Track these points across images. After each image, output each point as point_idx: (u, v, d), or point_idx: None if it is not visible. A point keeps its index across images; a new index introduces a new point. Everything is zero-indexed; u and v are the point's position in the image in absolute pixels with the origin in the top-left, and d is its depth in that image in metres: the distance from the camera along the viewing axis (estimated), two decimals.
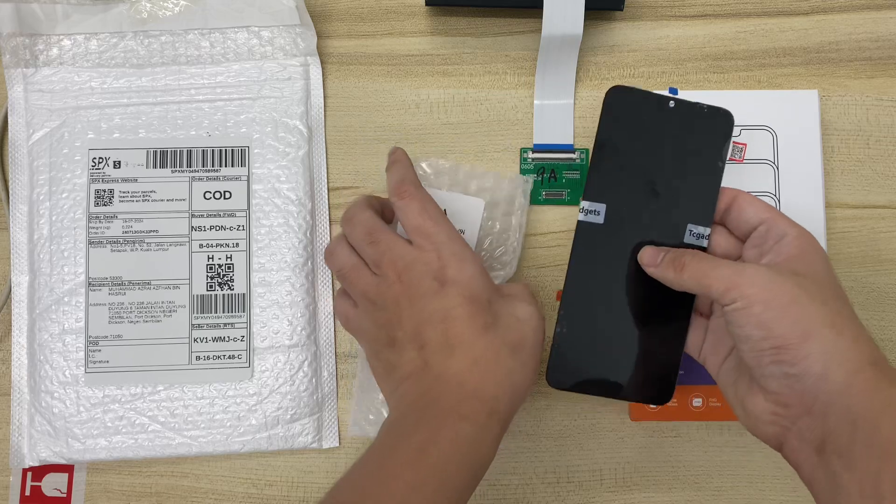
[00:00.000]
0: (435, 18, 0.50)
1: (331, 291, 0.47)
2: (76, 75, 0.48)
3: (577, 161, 0.48)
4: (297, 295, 0.46)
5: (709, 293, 0.34)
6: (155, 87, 0.48)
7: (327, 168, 0.48)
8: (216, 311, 0.46)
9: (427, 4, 0.48)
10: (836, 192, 0.48)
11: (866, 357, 0.31)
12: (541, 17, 0.45)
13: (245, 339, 0.46)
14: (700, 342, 0.38)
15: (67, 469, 0.46)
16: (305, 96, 0.48)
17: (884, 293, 0.47)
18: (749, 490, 0.46)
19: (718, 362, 0.37)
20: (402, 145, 0.49)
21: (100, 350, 0.45)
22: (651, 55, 0.49)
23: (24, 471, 0.46)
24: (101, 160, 0.47)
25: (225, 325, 0.46)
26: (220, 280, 0.46)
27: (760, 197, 0.41)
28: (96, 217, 0.46)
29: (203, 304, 0.46)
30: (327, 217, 0.48)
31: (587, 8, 0.45)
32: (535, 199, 0.48)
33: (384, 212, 0.41)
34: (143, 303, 0.46)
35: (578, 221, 0.39)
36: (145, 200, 0.47)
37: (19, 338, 0.46)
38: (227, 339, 0.46)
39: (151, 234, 0.46)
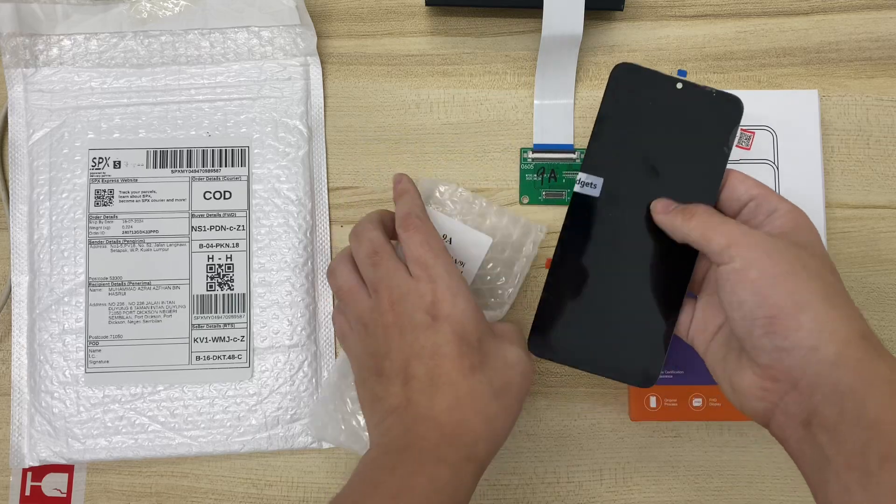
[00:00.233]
0: (435, 18, 0.50)
1: (332, 293, 0.47)
2: (76, 75, 0.48)
3: (577, 161, 0.48)
4: (297, 295, 0.46)
5: (709, 247, 0.34)
6: (155, 87, 0.48)
7: (327, 168, 0.48)
8: (216, 311, 0.46)
9: (427, 4, 0.48)
10: (836, 192, 0.48)
11: (856, 331, 0.31)
12: (541, 17, 0.45)
13: (245, 339, 0.46)
14: (688, 321, 0.38)
15: (67, 469, 0.46)
16: (305, 96, 0.48)
17: (884, 293, 0.47)
18: (749, 490, 0.46)
19: (707, 339, 0.37)
20: (402, 145, 0.49)
21: (100, 350, 0.45)
22: (651, 55, 0.49)
23: (24, 471, 0.46)
24: (101, 160, 0.47)
25: (225, 325, 0.46)
26: (220, 280, 0.46)
27: None
28: (96, 217, 0.46)
29: (203, 304, 0.46)
30: (327, 217, 0.48)
31: (587, 8, 0.45)
32: (534, 199, 0.48)
33: (387, 227, 0.41)
34: (143, 303, 0.46)
35: (574, 193, 0.38)
36: (145, 200, 0.47)
37: (19, 338, 0.46)
38: (227, 339, 0.46)
39: (151, 234, 0.46)
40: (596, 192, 0.38)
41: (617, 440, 0.47)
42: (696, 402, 0.45)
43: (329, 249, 0.48)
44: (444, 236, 0.42)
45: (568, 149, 0.48)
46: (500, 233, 0.44)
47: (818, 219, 0.46)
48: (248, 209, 0.47)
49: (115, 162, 0.47)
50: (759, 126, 0.46)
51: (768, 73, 0.49)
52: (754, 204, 0.36)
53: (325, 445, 0.46)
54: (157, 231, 0.46)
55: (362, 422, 0.43)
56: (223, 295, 0.46)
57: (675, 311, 0.38)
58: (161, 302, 0.46)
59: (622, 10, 0.47)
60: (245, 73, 0.48)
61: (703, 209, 0.35)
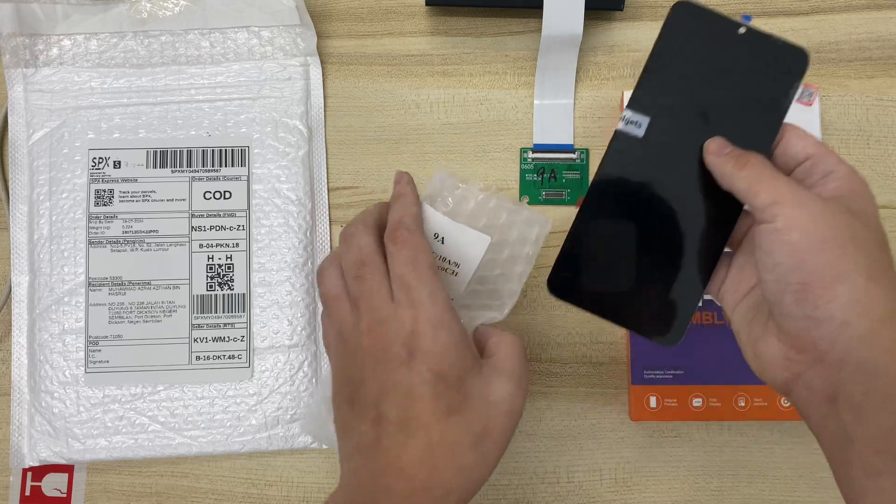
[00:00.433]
0: (435, 18, 0.50)
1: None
2: (76, 75, 0.48)
3: (577, 161, 0.48)
4: (297, 295, 0.46)
5: (754, 202, 0.32)
6: (155, 87, 0.48)
7: (327, 168, 0.49)
8: (216, 311, 0.46)
9: (427, 4, 0.48)
10: None
11: (894, 308, 0.29)
12: (541, 17, 0.45)
13: (245, 339, 0.46)
14: (722, 278, 0.35)
15: (67, 469, 0.46)
16: (305, 96, 0.48)
17: None
18: (749, 490, 0.46)
19: (736, 300, 0.35)
20: (402, 145, 0.49)
21: (100, 350, 0.45)
22: None
23: (24, 471, 0.46)
24: (101, 160, 0.47)
25: (225, 325, 0.46)
26: (220, 280, 0.46)
27: None
28: (96, 217, 0.46)
29: (203, 304, 0.46)
30: (327, 217, 0.48)
31: (587, 8, 0.45)
32: (534, 199, 0.48)
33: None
34: (143, 303, 0.46)
35: (616, 130, 0.36)
36: (145, 200, 0.47)
37: (19, 338, 0.46)
38: (227, 339, 0.46)
39: (151, 234, 0.46)
40: (640, 132, 0.36)
41: (617, 440, 0.47)
42: (696, 402, 0.45)
43: (329, 249, 0.48)
44: (436, 235, 0.39)
45: (568, 149, 0.48)
46: (499, 230, 0.41)
47: None
48: (248, 209, 0.47)
49: (115, 162, 0.47)
50: None
51: None
52: (810, 163, 0.33)
53: (325, 445, 0.46)
54: (157, 231, 0.46)
55: None
56: (223, 295, 0.46)
57: (710, 266, 0.35)
58: (161, 302, 0.46)
59: (622, 10, 0.47)
60: (245, 73, 0.48)
61: (757, 159, 0.33)
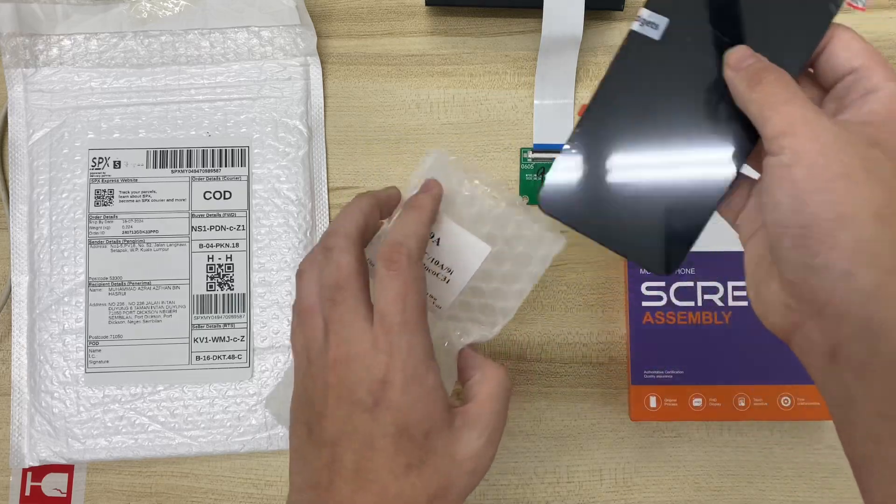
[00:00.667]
0: (435, 18, 0.50)
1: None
2: (76, 75, 0.48)
3: None
4: None
5: (763, 130, 0.28)
6: (155, 87, 0.48)
7: (327, 168, 0.49)
8: (216, 311, 0.46)
9: (427, 4, 0.48)
10: None
11: None
12: (541, 17, 0.45)
13: (245, 339, 0.46)
14: (741, 203, 0.32)
15: (67, 469, 0.46)
16: (305, 96, 0.48)
17: None
18: (749, 490, 0.46)
19: (750, 232, 0.31)
20: (402, 145, 0.49)
21: (100, 350, 0.45)
22: None
23: (24, 471, 0.46)
24: (101, 160, 0.47)
25: (225, 325, 0.46)
26: (220, 280, 0.46)
27: None
28: (96, 217, 0.46)
29: (203, 304, 0.46)
30: (327, 217, 0.48)
31: (587, 8, 0.45)
32: (534, 200, 0.48)
33: (381, 210, 0.36)
34: (143, 303, 0.46)
35: (630, 31, 0.32)
36: (145, 200, 0.47)
37: (19, 338, 0.46)
38: (227, 339, 0.46)
39: (151, 234, 0.46)
40: (657, 35, 0.32)
41: (617, 440, 0.47)
42: (696, 402, 0.45)
43: None
44: (432, 235, 0.35)
45: None
46: (503, 241, 0.36)
47: None
48: (248, 209, 0.47)
49: (115, 162, 0.47)
50: None
51: None
52: (853, 78, 0.29)
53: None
54: (157, 231, 0.46)
55: None
56: (223, 295, 0.46)
57: (720, 190, 0.32)
58: (161, 302, 0.46)
59: (622, 10, 0.47)
60: (245, 73, 0.48)
61: (774, 76, 0.28)
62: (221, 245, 0.46)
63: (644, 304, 0.45)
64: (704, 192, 0.32)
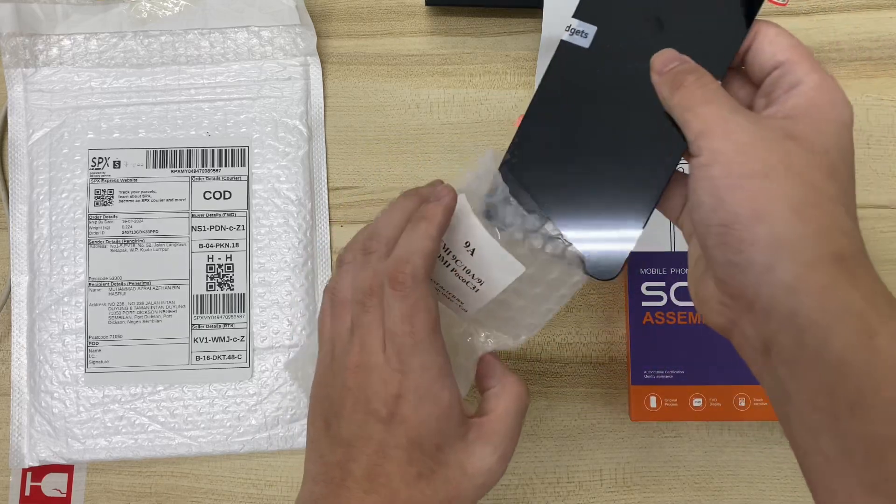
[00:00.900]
0: (435, 18, 0.50)
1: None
2: (76, 75, 0.48)
3: None
4: (296, 295, 0.46)
5: (686, 132, 0.28)
6: (155, 87, 0.48)
7: (327, 168, 0.48)
8: (216, 311, 0.46)
9: (427, 4, 0.48)
10: None
11: (829, 250, 0.25)
12: (541, 17, 0.45)
13: (245, 339, 0.46)
14: (681, 204, 0.32)
15: (67, 469, 0.46)
16: (305, 96, 0.48)
17: None
18: (749, 490, 0.46)
19: (691, 231, 0.31)
20: (402, 145, 0.49)
21: (99, 350, 0.45)
22: None
23: (24, 471, 0.46)
24: (100, 160, 0.47)
25: (225, 325, 0.46)
26: (219, 280, 0.46)
27: None
28: (96, 217, 0.46)
29: (203, 304, 0.46)
30: (327, 217, 0.48)
31: None
32: None
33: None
34: (142, 303, 0.46)
35: (561, 41, 0.33)
36: (145, 200, 0.47)
37: (19, 338, 0.46)
38: (226, 339, 0.46)
39: (151, 234, 0.46)
40: (586, 43, 0.32)
41: (617, 440, 0.47)
42: (696, 402, 0.45)
43: (329, 249, 0.48)
44: (467, 244, 0.34)
45: None
46: (538, 265, 0.35)
47: None
48: (248, 209, 0.47)
49: (114, 162, 0.47)
50: None
51: None
52: (779, 73, 0.29)
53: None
54: (156, 231, 0.46)
55: None
56: (223, 295, 0.46)
57: (656, 191, 0.32)
58: (161, 302, 0.46)
59: None
60: (245, 73, 0.48)
61: (693, 78, 0.29)
62: (221, 245, 0.46)
63: (644, 304, 0.45)
64: (641, 194, 0.32)
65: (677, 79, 0.29)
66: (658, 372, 0.45)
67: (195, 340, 0.46)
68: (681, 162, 0.31)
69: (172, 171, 0.47)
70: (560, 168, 0.33)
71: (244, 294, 0.46)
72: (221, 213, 0.47)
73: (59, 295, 0.46)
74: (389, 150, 0.49)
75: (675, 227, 0.40)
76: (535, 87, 0.33)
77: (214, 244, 0.46)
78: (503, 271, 0.34)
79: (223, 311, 0.46)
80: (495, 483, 0.32)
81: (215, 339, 0.46)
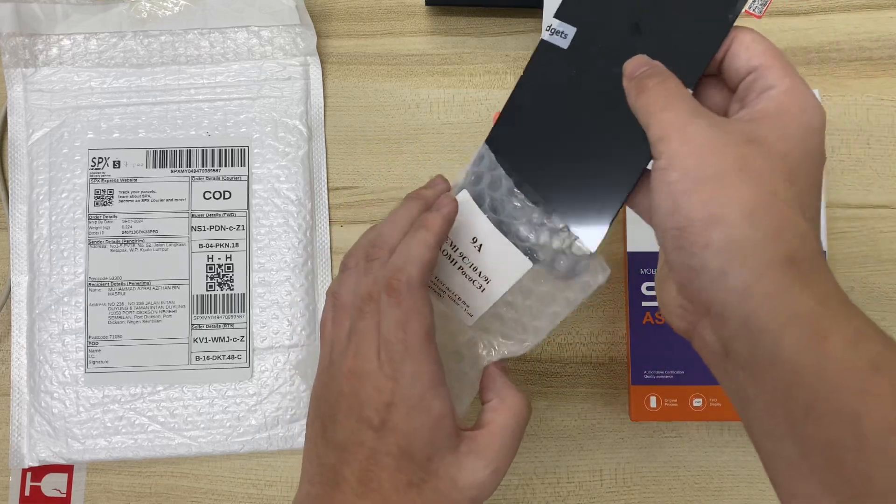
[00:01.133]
0: (435, 18, 0.50)
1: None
2: (76, 75, 0.47)
3: None
4: (296, 295, 0.46)
5: (648, 135, 0.29)
6: (155, 87, 0.48)
7: (327, 168, 0.48)
8: (216, 312, 0.46)
9: (427, 4, 0.48)
10: (837, 191, 0.48)
11: (781, 253, 0.25)
12: (541, 17, 0.45)
13: (245, 339, 0.46)
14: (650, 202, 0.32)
15: (67, 469, 0.46)
16: (305, 96, 0.48)
17: (884, 293, 0.47)
18: (749, 490, 0.46)
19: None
20: (402, 145, 0.49)
21: (99, 350, 0.45)
22: None
23: (24, 471, 0.46)
24: (100, 160, 0.47)
25: (225, 325, 0.46)
26: (219, 280, 0.46)
27: None
28: (96, 217, 0.46)
29: (203, 304, 0.46)
30: (327, 217, 0.48)
31: None
32: None
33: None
34: (142, 303, 0.46)
35: (541, 40, 0.33)
36: (145, 200, 0.47)
37: (19, 338, 0.46)
38: (226, 339, 0.46)
39: (151, 234, 0.46)
40: (565, 44, 0.33)
41: (617, 440, 0.47)
42: (696, 402, 0.45)
43: (329, 249, 0.48)
44: (474, 239, 0.34)
45: None
46: (546, 261, 0.34)
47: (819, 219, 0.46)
48: (248, 209, 0.47)
49: (114, 162, 0.47)
50: None
51: None
52: (752, 77, 0.29)
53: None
54: (156, 231, 0.46)
55: None
56: (223, 295, 0.46)
57: (623, 192, 0.33)
58: (161, 302, 0.46)
59: None
60: (245, 73, 0.48)
61: (655, 82, 0.29)
62: (221, 245, 0.46)
63: (644, 303, 0.45)
64: (608, 195, 0.33)
65: (641, 83, 0.30)
66: (658, 372, 0.45)
67: (195, 340, 0.46)
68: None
69: (172, 171, 0.47)
70: (532, 164, 0.33)
71: (244, 294, 0.46)
72: (221, 213, 0.47)
73: (59, 295, 0.46)
74: (389, 149, 0.49)
75: None
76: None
77: (214, 244, 0.46)
78: (510, 267, 0.34)
79: (223, 311, 0.46)
80: (489, 495, 0.32)
81: (215, 340, 0.46)
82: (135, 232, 0.46)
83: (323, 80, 0.49)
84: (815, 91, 0.46)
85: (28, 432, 0.45)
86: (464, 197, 0.34)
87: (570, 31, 0.33)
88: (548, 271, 0.35)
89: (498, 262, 0.34)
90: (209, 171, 0.47)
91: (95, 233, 0.46)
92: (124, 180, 0.47)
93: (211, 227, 0.46)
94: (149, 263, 0.46)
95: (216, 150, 0.47)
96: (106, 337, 0.46)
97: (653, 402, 0.45)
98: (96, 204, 0.46)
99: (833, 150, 0.48)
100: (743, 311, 0.25)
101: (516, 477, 0.46)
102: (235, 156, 0.47)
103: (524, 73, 0.33)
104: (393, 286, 0.31)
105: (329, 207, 0.48)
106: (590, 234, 0.33)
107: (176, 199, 0.47)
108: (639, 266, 0.46)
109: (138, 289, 0.46)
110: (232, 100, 0.48)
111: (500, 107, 0.49)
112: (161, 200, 0.47)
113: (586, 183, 0.33)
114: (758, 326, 0.25)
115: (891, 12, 0.49)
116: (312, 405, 0.34)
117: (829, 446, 0.24)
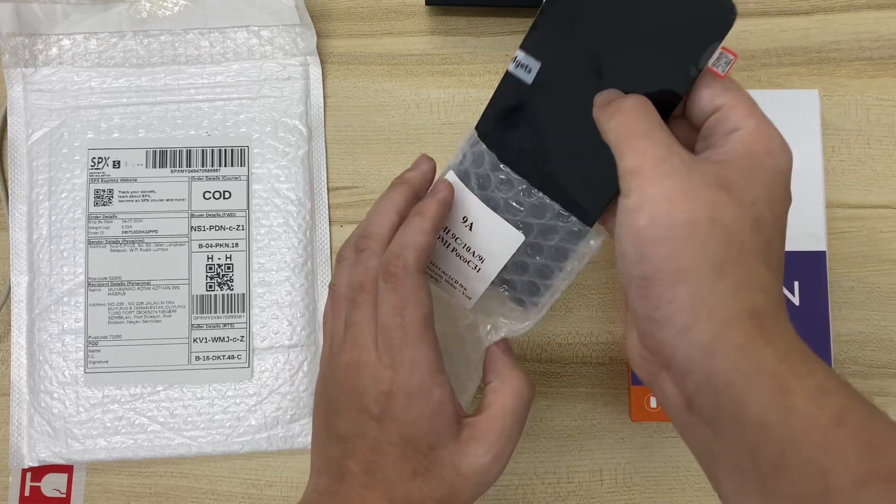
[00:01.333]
0: (435, 18, 0.50)
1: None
2: (76, 75, 0.47)
3: None
4: (296, 295, 0.46)
5: (619, 164, 0.27)
6: (154, 87, 0.48)
7: (327, 168, 0.48)
8: (216, 312, 0.46)
9: (427, 4, 0.47)
10: (837, 192, 0.48)
11: (745, 307, 0.25)
12: None
13: (244, 339, 0.46)
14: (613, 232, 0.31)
15: (67, 469, 0.46)
16: (305, 96, 0.48)
17: (884, 293, 0.47)
18: None
19: None
20: (402, 145, 0.49)
21: (99, 350, 0.45)
22: None
23: (24, 471, 0.46)
24: (100, 160, 0.47)
25: (224, 325, 0.46)
26: (219, 280, 0.46)
27: None
28: (96, 217, 0.46)
29: (203, 305, 0.46)
30: (327, 217, 0.48)
31: None
32: None
33: (418, 197, 0.35)
34: (142, 303, 0.46)
35: (507, 72, 0.33)
36: (145, 200, 0.46)
37: (18, 338, 0.46)
38: (226, 339, 0.46)
39: (151, 234, 0.46)
40: (529, 79, 0.32)
41: (617, 440, 0.47)
42: None
43: (329, 249, 0.48)
44: (465, 219, 0.34)
45: None
46: (538, 231, 0.34)
47: (818, 219, 0.46)
48: (248, 209, 0.47)
49: (114, 162, 0.47)
50: None
51: (769, 72, 0.49)
52: (716, 118, 0.28)
53: None
54: (156, 231, 0.46)
55: None
56: (223, 295, 0.46)
57: (591, 221, 0.33)
58: (160, 302, 0.46)
59: None
60: (245, 73, 0.48)
61: (632, 105, 0.28)
62: (221, 245, 0.46)
63: None
64: (561, 248, 0.33)
65: (618, 104, 0.28)
66: None
67: (195, 340, 0.46)
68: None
69: (172, 171, 0.47)
70: (500, 191, 0.34)
71: (244, 294, 0.46)
72: (221, 213, 0.47)
73: (59, 295, 0.46)
74: (389, 149, 0.49)
75: None
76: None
77: (214, 244, 0.46)
78: (503, 242, 0.34)
79: (223, 312, 0.46)
80: (493, 481, 0.32)
81: (215, 340, 0.46)
82: (134, 232, 0.46)
83: (323, 80, 0.49)
84: (815, 91, 0.46)
85: (28, 432, 0.45)
86: (451, 178, 0.34)
87: (535, 65, 0.32)
88: (542, 243, 0.34)
89: (491, 239, 0.34)
90: (209, 171, 0.47)
91: (95, 233, 0.46)
92: (124, 180, 0.47)
93: (211, 227, 0.46)
94: (148, 263, 0.46)
95: (216, 150, 0.47)
96: (106, 337, 0.46)
97: (653, 403, 0.45)
98: (96, 204, 0.46)
99: (833, 150, 0.48)
100: (707, 367, 0.25)
101: (516, 477, 0.46)
102: (235, 156, 0.47)
103: (490, 103, 0.33)
104: (390, 272, 0.31)
105: (329, 207, 0.48)
106: (582, 214, 0.33)
107: (176, 199, 0.47)
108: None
109: (138, 289, 0.46)
110: (232, 100, 0.48)
111: None
112: (161, 200, 0.47)
113: (568, 192, 0.33)
114: (722, 382, 0.25)
115: (891, 12, 0.49)
116: (316, 399, 0.35)
117: (800, 502, 0.24)
